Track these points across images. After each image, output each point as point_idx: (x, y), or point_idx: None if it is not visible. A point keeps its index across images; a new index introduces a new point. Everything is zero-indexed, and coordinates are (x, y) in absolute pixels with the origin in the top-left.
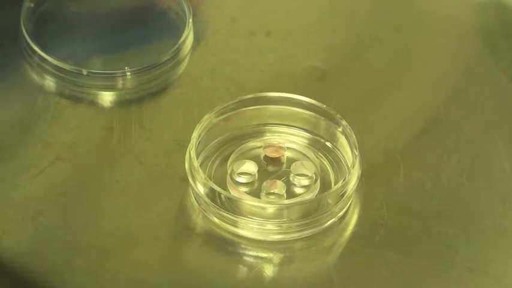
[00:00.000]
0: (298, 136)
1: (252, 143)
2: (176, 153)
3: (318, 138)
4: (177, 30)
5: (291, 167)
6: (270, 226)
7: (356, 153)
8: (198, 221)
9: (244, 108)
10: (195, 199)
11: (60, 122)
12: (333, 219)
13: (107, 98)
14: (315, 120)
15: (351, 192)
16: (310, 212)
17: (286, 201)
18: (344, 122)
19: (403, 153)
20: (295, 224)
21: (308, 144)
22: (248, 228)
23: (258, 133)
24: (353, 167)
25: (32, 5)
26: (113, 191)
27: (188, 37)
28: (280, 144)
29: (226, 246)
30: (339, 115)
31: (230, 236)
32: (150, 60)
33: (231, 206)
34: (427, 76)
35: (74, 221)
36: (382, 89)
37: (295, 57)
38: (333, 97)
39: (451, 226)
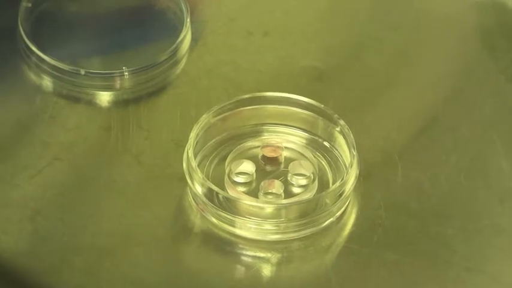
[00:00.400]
0: (296, 136)
1: (250, 143)
2: (174, 153)
3: (316, 138)
4: (174, 30)
5: (289, 167)
6: (268, 226)
7: (354, 153)
8: (196, 220)
9: (242, 108)
10: (193, 199)
11: (58, 122)
12: (331, 219)
13: (104, 98)
14: (313, 120)
15: (349, 192)
16: (308, 211)
17: (284, 201)
18: (342, 122)
19: (401, 153)
20: (293, 223)
21: (306, 144)
22: (246, 228)
23: (255, 133)
24: (351, 166)
25: (30, 5)
26: (111, 191)
27: (186, 37)
28: (278, 144)
29: (224, 246)
30: (336, 115)
31: (228, 236)
32: (147, 60)
33: (229, 206)
34: (425, 76)
35: (72, 221)
36: (380, 88)
37: (293, 57)
38: (331, 97)
39: (449, 226)
